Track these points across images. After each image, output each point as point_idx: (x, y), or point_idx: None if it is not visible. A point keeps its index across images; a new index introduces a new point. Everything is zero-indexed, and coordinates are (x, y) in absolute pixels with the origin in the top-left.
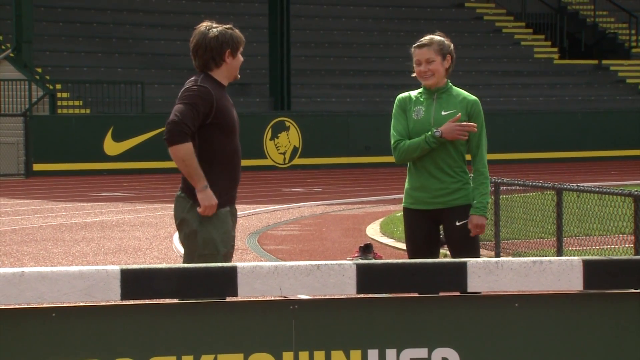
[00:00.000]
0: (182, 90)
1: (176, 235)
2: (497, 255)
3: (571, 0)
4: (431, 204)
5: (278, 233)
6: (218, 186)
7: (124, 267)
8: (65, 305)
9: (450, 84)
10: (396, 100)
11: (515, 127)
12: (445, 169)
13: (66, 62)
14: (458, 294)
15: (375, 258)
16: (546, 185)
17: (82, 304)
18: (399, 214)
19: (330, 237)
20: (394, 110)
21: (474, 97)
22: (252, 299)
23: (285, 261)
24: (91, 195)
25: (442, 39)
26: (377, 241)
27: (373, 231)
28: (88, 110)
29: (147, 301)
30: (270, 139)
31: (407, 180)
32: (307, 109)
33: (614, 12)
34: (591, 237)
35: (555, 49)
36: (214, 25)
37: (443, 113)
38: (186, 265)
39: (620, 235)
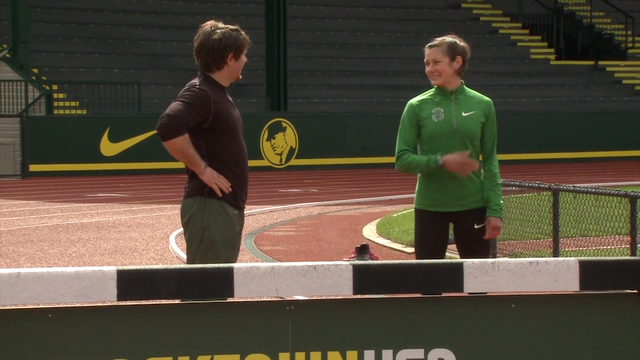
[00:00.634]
0: (182, 90)
1: (172, 236)
2: (494, 255)
3: (568, 1)
4: (450, 205)
5: (274, 234)
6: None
7: (120, 268)
8: (61, 306)
9: (464, 84)
10: (407, 106)
11: (512, 128)
12: None
13: (63, 63)
14: (455, 294)
15: (371, 259)
16: (543, 186)
17: (78, 305)
18: (395, 215)
19: (326, 238)
20: (403, 116)
21: (488, 99)
22: (248, 300)
23: (281, 262)
24: (87, 196)
25: (454, 40)
26: (374, 242)
27: (369, 232)
28: (84, 111)
29: (144, 302)
30: (267, 140)
31: (421, 181)
32: (304, 110)
33: (611, 13)
34: (587, 237)
35: (552, 50)
36: (220, 26)
37: (464, 114)
38: (183, 266)
39: (617, 236)
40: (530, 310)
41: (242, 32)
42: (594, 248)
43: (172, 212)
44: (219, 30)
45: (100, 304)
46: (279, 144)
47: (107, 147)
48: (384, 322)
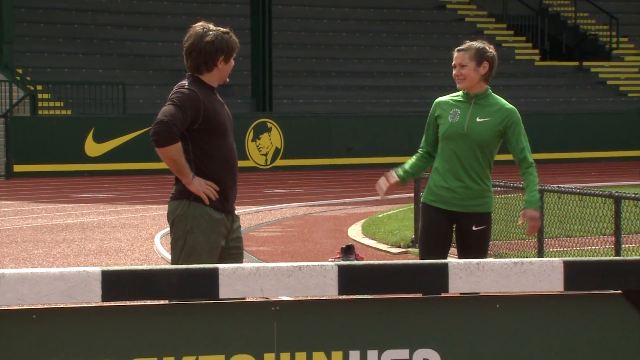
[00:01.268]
0: (171, 92)
1: (157, 237)
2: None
3: (552, 2)
4: (452, 205)
5: (260, 234)
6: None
7: (105, 268)
8: (45, 307)
9: (490, 91)
10: (433, 104)
11: None
12: (471, 174)
13: (47, 63)
14: (440, 295)
15: (357, 259)
16: None
17: (62, 306)
18: (380, 216)
19: (311, 239)
20: (429, 114)
21: (511, 106)
22: (233, 300)
23: (267, 262)
24: (72, 197)
25: (482, 45)
26: (359, 242)
27: (355, 232)
28: (69, 112)
29: (128, 303)
30: (252, 140)
31: (431, 177)
32: (289, 110)
33: (595, 14)
34: (572, 238)
35: (537, 51)
36: (211, 27)
37: (478, 120)
38: (168, 266)
39: (601, 236)
40: (515, 311)
41: (233, 35)
42: (578, 248)
43: (157, 213)
44: (211, 33)
45: (85, 305)
46: (264, 145)
47: (92, 148)
48: (369, 323)
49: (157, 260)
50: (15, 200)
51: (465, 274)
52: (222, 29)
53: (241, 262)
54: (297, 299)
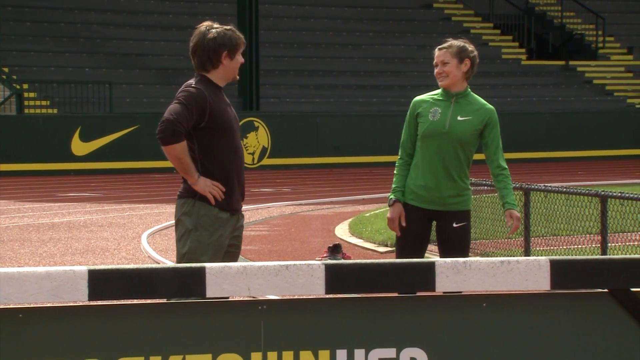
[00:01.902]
0: (178, 91)
1: (144, 236)
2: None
3: (539, 1)
4: (430, 203)
5: (247, 233)
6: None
7: (92, 267)
8: (32, 306)
9: (470, 90)
10: (411, 103)
11: None
12: (451, 173)
13: (33, 62)
14: (427, 293)
15: (344, 258)
16: (514, 185)
17: (49, 305)
18: (367, 214)
19: (299, 238)
20: (407, 113)
21: (491, 107)
22: (220, 300)
23: (254, 261)
24: (59, 196)
25: (462, 43)
26: (346, 241)
27: (342, 231)
28: (55, 110)
29: (115, 302)
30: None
31: (410, 176)
32: (276, 109)
33: (581, 13)
34: (558, 237)
35: (523, 50)
36: (215, 25)
37: (459, 118)
38: (154, 265)
39: (588, 235)
40: (501, 309)
41: (237, 32)
42: (565, 247)
43: (143, 212)
44: (213, 30)
45: (71, 304)
46: (251, 144)
47: (78, 147)
48: (356, 322)
49: (144, 260)
50: (1, 199)
51: (452, 273)
52: (225, 27)
53: (237, 260)
54: (284, 298)
